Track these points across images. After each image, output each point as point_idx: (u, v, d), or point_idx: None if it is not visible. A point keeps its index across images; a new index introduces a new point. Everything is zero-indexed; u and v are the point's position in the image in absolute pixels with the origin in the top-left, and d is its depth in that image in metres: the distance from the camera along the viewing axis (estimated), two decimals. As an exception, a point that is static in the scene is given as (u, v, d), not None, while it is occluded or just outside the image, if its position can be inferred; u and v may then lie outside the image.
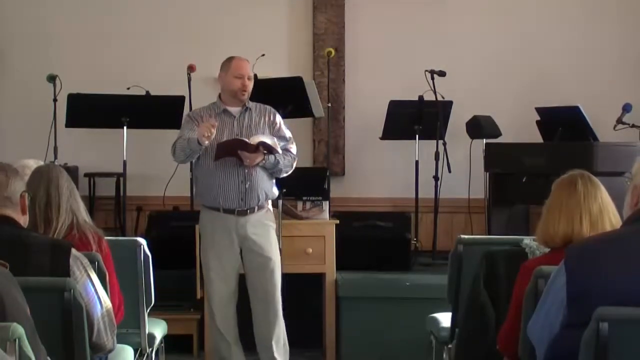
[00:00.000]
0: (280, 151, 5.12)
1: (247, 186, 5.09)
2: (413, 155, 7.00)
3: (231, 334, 5.24)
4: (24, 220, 3.26)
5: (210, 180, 5.14)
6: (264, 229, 5.18)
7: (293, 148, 5.25)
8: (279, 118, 5.29)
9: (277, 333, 5.22)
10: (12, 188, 3.21)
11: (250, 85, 5.19)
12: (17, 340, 2.47)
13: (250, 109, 5.23)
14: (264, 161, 5.09)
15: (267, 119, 5.23)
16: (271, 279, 5.18)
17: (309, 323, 6.11)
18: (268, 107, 5.34)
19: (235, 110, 5.22)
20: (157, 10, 7.62)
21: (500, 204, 6.84)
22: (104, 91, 6.74)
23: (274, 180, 5.25)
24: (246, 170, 5.09)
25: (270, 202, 5.27)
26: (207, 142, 4.97)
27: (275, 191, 5.28)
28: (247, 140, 5.04)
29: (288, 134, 5.27)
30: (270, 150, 5.06)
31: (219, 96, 5.26)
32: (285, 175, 5.28)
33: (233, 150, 5.05)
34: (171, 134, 6.97)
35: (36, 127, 7.07)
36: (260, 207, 5.17)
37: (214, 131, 4.95)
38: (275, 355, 5.21)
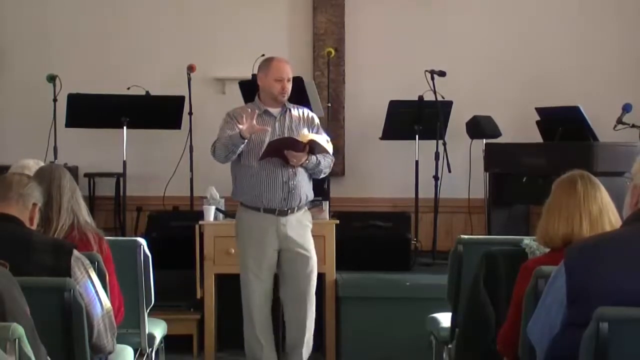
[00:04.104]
0: (330, 150, 5.10)
1: (290, 186, 5.06)
2: (413, 155, 6.99)
3: (267, 335, 5.19)
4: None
5: (253, 180, 5.07)
6: (304, 229, 5.16)
7: (330, 149, 5.20)
8: (317, 119, 5.28)
9: (308, 334, 5.22)
10: (29, 190, 3.27)
11: (289, 87, 5.13)
12: (17, 340, 2.47)
13: (289, 110, 5.19)
14: (307, 161, 5.06)
15: (306, 119, 5.20)
16: (309, 278, 5.16)
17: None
18: (305, 108, 5.33)
19: (275, 111, 5.16)
20: (157, 10, 7.62)
21: (500, 204, 6.85)
22: (104, 91, 6.74)
23: (312, 181, 5.24)
24: (290, 171, 5.05)
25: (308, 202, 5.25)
26: (248, 135, 4.88)
27: (312, 192, 5.26)
28: (298, 139, 5.01)
29: (325, 135, 5.24)
30: (312, 150, 5.03)
31: (258, 96, 5.19)
32: (323, 176, 5.28)
33: (280, 150, 5.00)
34: (171, 134, 7.03)
35: (36, 127, 7.07)
36: (300, 208, 5.14)
37: (253, 123, 4.87)
38: (303, 357, 5.21)
